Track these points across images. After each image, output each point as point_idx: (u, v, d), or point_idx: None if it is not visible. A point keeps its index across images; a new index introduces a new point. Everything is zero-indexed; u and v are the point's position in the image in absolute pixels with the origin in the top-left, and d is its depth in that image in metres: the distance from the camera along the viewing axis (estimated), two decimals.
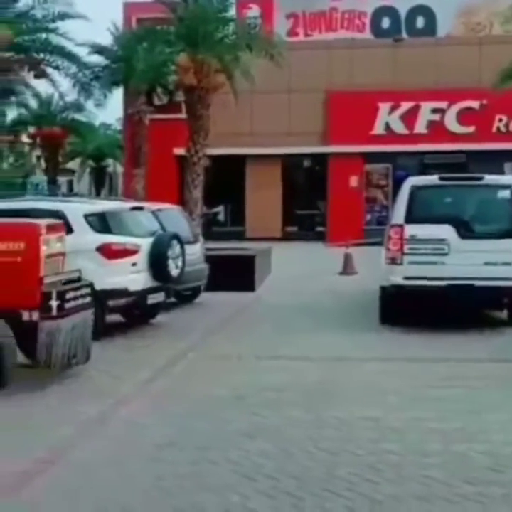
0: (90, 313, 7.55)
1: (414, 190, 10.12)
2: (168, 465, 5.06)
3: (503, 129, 27.01)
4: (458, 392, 6.92)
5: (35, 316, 6.82)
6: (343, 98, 26.82)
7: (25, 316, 6.83)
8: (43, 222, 7.29)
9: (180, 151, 23.45)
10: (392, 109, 27.43)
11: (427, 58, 26.55)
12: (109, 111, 34.87)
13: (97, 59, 24.05)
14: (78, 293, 7.24)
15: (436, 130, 26.95)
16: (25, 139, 38.79)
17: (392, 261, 9.93)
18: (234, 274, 13.45)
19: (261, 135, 26.66)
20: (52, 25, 20.61)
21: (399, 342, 9.33)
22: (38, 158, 41.83)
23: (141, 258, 9.80)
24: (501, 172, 23.04)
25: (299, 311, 11.79)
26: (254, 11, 27.59)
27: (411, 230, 9.81)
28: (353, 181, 27.76)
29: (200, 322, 10.77)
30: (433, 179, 10.51)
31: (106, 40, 24.97)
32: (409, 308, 10.24)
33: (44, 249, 6.99)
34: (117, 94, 25.83)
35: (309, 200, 29.76)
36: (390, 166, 27.92)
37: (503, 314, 10.60)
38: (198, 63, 19.81)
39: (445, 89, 26.28)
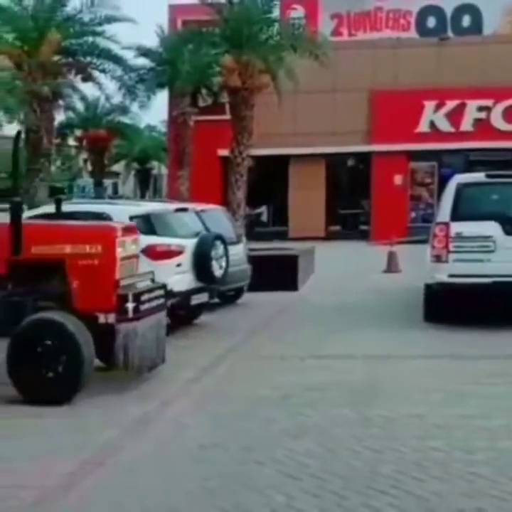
0: (164, 314, 7.50)
1: (461, 188, 10.05)
2: (213, 465, 5.09)
3: None
4: (503, 389, 6.86)
5: (112, 318, 6.77)
6: (387, 97, 26.72)
7: (102, 318, 6.79)
8: (119, 224, 7.31)
9: (224, 152, 23.57)
10: (438, 107, 27.23)
11: (472, 57, 26.28)
12: (153, 113, 35.22)
13: (142, 61, 24.31)
14: (153, 295, 7.19)
15: (482, 128, 26.64)
16: (72, 142, 39.34)
17: (438, 259, 9.87)
18: (277, 274, 13.47)
19: (304, 135, 26.64)
20: (99, 29, 20.82)
21: (443, 339, 9.27)
22: (85, 161, 42.39)
23: (186, 259, 9.87)
24: None
25: (342, 309, 11.76)
26: (298, 11, 27.63)
27: (457, 227, 9.74)
28: (398, 180, 27.65)
29: (244, 322, 10.81)
30: (479, 176, 10.44)
31: (151, 42, 25.24)
32: (454, 306, 10.15)
33: (120, 252, 6.93)
34: (161, 96, 26.09)
35: (353, 199, 29.69)
36: (435, 163, 27.73)
37: None
38: (243, 64, 19.92)
39: (491, 88, 26.02)
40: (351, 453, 5.28)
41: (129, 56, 23.01)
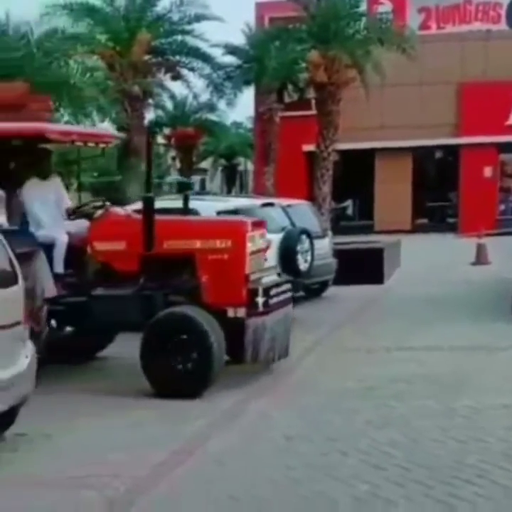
0: (291, 308, 7.51)
1: None
2: (298, 456, 5.18)
3: None
4: None
5: (241, 313, 6.76)
6: (476, 89, 26.19)
7: (230, 312, 6.78)
8: (249, 219, 7.38)
9: (309, 147, 23.59)
10: None
11: None
12: (239, 110, 35.49)
13: (229, 59, 24.54)
14: (281, 289, 7.20)
15: None
16: (160, 140, 40.07)
17: None
18: (362, 267, 13.45)
19: (391, 128, 26.40)
20: (188, 28, 21.10)
21: None
22: (173, 158, 43.12)
23: (272, 253, 9.99)
24: None
25: (428, 301, 11.66)
26: (385, 6, 27.38)
27: None
28: (487, 172, 27.12)
29: (329, 315, 10.87)
30: None
31: (238, 40, 25.45)
32: None
33: (249, 246, 6.95)
34: (248, 93, 26.30)
35: (440, 191, 29.22)
36: None
37: None
38: (329, 59, 19.93)
39: None
40: (436, 443, 5.31)
41: (217, 54, 23.29)
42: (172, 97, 30.55)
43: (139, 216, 7.18)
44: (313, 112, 22.33)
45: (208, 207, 10.11)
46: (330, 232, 13.31)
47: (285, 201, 12.21)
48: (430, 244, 21.69)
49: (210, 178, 49.75)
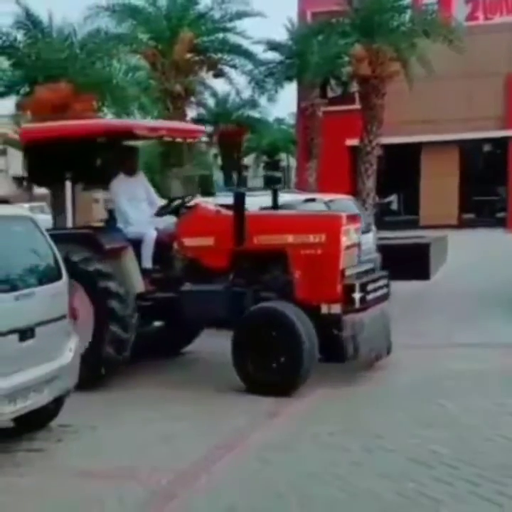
0: (387, 304, 7.29)
1: None
2: (341, 452, 5.12)
3: None
4: None
5: (335, 309, 6.56)
6: None
7: (324, 309, 6.58)
8: (344, 213, 7.12)
9: (352, 141, 23.41)
10: None
11: None
12: (281, 105, 35.42)
13: (271, 55, 24.49)
14: (377, 284, 7.00)
15: None
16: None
17: None
18: (408, 262, 13.25)
19: (437, 122, 26.06)
20: (229, 25, 21.05)
21: None
22: (215, 155, 43.29)
23: None
24: None
25: (476, 298, 11.49)
26: None
27: None
28: None
29: None
30: None
31: (280, 36, 25.39)
32: None
33: (344, 241, 6.72)
34: (289, 89, 26.22)
35: (488, 185, 28.71)
36: None
37: None
38: (373, 53, 19.70)
39: None
40: (484, 441, 5.20)
41: (259, 50, 23.26)
42: (214, 94, 30.63)
43: (228, 211, 7.04)
44: (357, 106, 22.14)
45: (251, 202, 10.06)
46: (374, 227, 13.16)
47: (327, 196, 12.10)
48: (478, 239, 21.39)
49: (252, 174, 49.80)
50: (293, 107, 29.64)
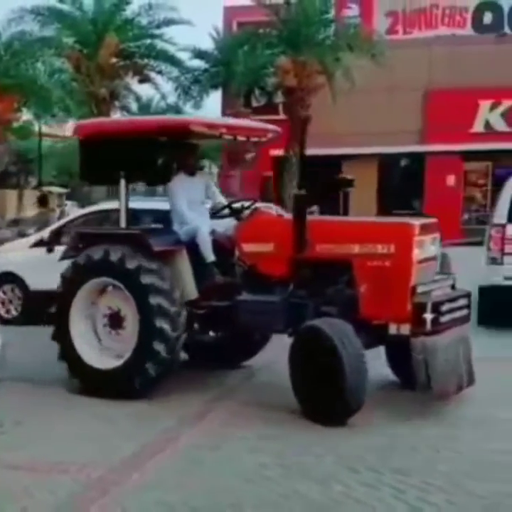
0: (469, 326, 6.49)
1: None
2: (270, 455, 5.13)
3: None
4: None
5: (405, 330, 5.86)
6: (442, 96, 26.33)
7: (392, 329, 5.92)
8: (417, 221, 6.19)
9: (276, 152, 23.69)
10: (493, 106, 26.85)
11: None
12: (207, 113, 35.39)
13: (197, 63, 24.58)
14: (455, 304, 6.17)
15: None
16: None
17: (493, 261, 9.75)
18: None
19: (359, 134, 26.54)
20: (157, 31, 21.10)
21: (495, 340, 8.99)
22: None
23: None
24: None
25: None
26: (353, 10, 27.44)
27: None
28: (451, 180, 27.34)
29: None
30: None
31: (206, 44, 25.51)
32: (508, 309, 10.04)
33: (417, 253, 5.98)
34: (214, 97, 26.35)
35: (405, 198, 29.43)
36: (489, 164, 27.35)
37: None
38: (300, 65, 20.03)
39: None
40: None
41: (185, 57, 23.33)
42: (138, 99, 30.52)
43: (291, 216, 6.45)
44: (281, 116, 22.46)
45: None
46: None
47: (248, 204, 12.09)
48: None
49: None
50: (218, 115, 29.76)
